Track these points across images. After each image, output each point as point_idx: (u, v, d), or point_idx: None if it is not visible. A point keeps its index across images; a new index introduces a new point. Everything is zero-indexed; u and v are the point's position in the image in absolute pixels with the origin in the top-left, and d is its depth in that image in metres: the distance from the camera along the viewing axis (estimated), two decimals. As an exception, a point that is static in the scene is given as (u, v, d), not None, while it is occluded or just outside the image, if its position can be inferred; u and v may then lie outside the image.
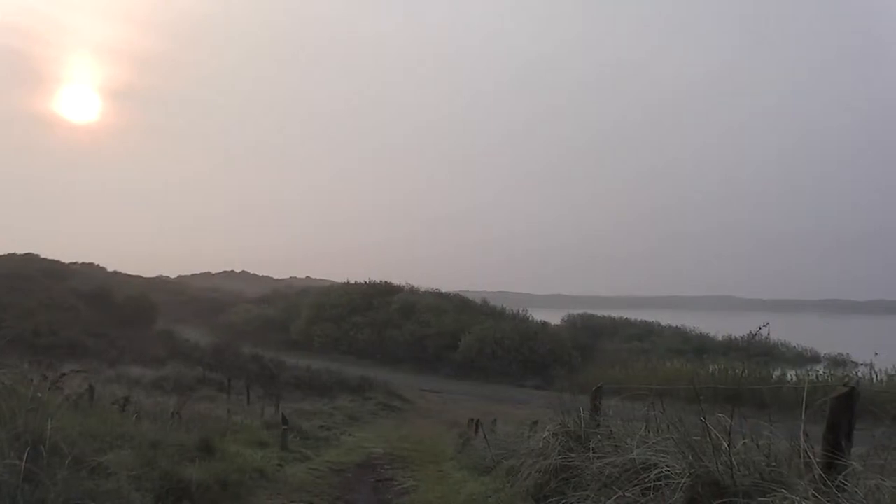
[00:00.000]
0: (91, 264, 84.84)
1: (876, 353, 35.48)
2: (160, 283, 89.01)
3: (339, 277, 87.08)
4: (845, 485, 4.18)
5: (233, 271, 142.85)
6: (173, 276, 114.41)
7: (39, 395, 6.33)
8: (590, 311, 75.68)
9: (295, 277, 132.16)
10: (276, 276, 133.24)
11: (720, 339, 57.67)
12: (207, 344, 45.59)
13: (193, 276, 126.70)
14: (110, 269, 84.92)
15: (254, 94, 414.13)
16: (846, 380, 4.91)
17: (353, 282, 65.17)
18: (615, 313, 75.46)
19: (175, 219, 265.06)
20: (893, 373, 32.08)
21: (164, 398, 16.55)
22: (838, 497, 4.09)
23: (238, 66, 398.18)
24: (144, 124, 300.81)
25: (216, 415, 15.05)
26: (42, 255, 71.40)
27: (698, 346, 56.00)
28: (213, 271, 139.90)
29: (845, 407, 4.46)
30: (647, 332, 64.73)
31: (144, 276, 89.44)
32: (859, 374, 32.89)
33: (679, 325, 65.89)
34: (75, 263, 79.05)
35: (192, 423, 11.39)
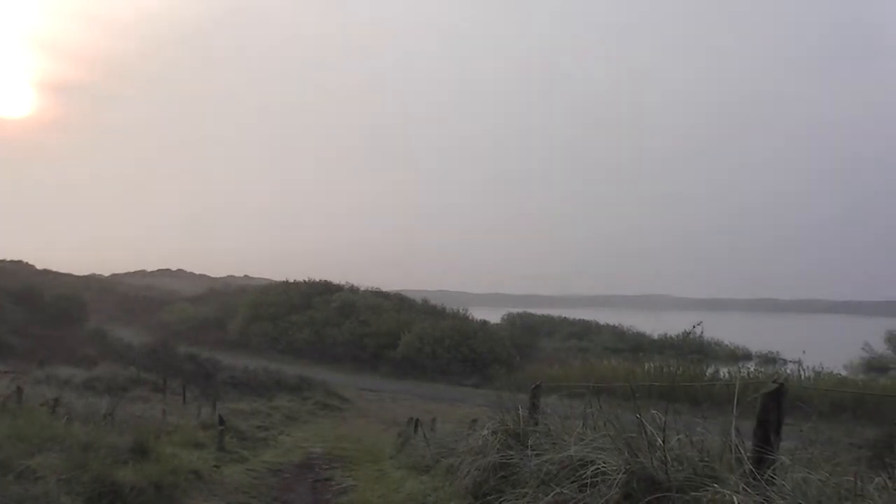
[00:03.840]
0: (19, 262, 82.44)
1: (804, 351, 36.65)
2: (92, 281, 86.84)
3: (278, 276, 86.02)
4: (774, 478, 4.31)
5: (169, 269, 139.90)
6: (106, 274, 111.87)
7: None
8: (529, 310, 76.50)
9: (233, 276, 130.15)
10: (213, 275, 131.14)
11: (655, 337, 58.94)
12: (142, 343, 44.61)
13: (127, 274, 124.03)
14: (40, 266, 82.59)
15: (196, 91, 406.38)
16: (775, 377, 5.05)
17: (292, 281, 64.61)
18: (554, 312, 76.47)
19: (108, 216, 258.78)
20: (820, 370, 33.19)
21: (95, 399, 16.10)
22: (767, 490, 4.21)
23: (181, 62, 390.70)
24: (79, 120, 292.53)
25: (151, 416, 14.77)
26: (-34, 253, 69.02)
27: (634, 345, 57.18)
28: (149, 269, 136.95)
29: (774, 403, 4.60)
30: (584, 331, 65.78)
31: (76, 274, 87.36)
32: (788, 372, 33.95)
33: (616, 324, 67.15)
34: (2, 261, 76.75)
35: (126, 424, 11.16)
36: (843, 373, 36.84)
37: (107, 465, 7.68)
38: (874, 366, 40.69)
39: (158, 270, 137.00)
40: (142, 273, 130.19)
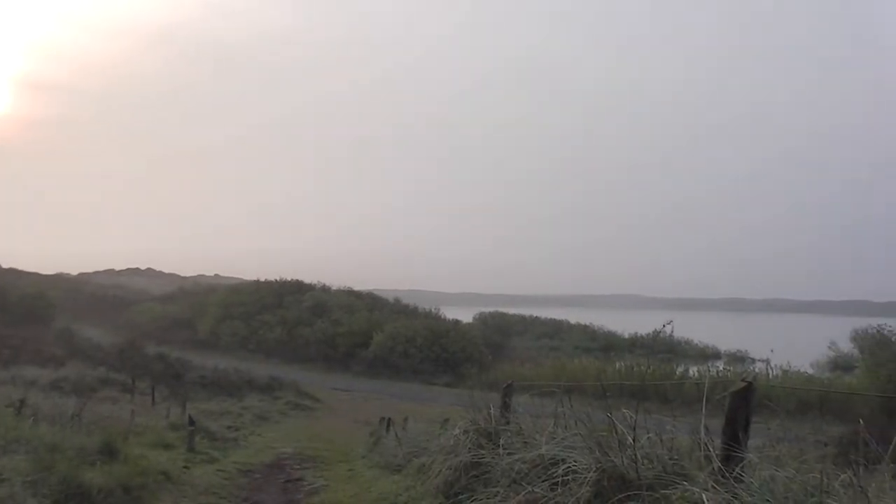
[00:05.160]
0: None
1: (772, 350, 37.13)
2: (59, 280, 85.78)
3: (249, 275, 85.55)
4: (742, 476, 4.36)
5: (138, 268, 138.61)
6: (74, 273, 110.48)
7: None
8: (501, 310, 76.67)
9: (203, 275, 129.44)
10: (183, 274, 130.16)
11: (626, 336, 59.36)
12: (110, 343, 44.18)
13: (96, 272, 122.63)
14: (5, 265, 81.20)
15: (167, 92, 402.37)
16: (744, 375, 5.11)
17: (263, 280, 64.21)
18: (525, 311, 76.70)
19: (76, 214, 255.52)
20: (788, 368, 33.63)
21: (63, 400, 15.87)
22: (736, 488, 4.26)
23: (154, 63, 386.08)
24: (47, 118, 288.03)
25: (119, 417, 14.55)
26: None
27: (605, 344, 57.62)
28: (117, 268, 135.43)
29: (743, 401, 4.65)
30: (556, 330, 66.13)
31: (42, 273, 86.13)
32: (756, 370, 34.35)
33: (587, 323, 67.51)
34: (-34, 260, 75.33)
35: (94, 425, 11.00)
36: (810, 371, 37.34)
37: (74, 467, 7.58)
38: (840, 364, 41.25)
39: (127, 269, 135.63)
40: (110, 272, 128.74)
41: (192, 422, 14.01)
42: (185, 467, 10.83)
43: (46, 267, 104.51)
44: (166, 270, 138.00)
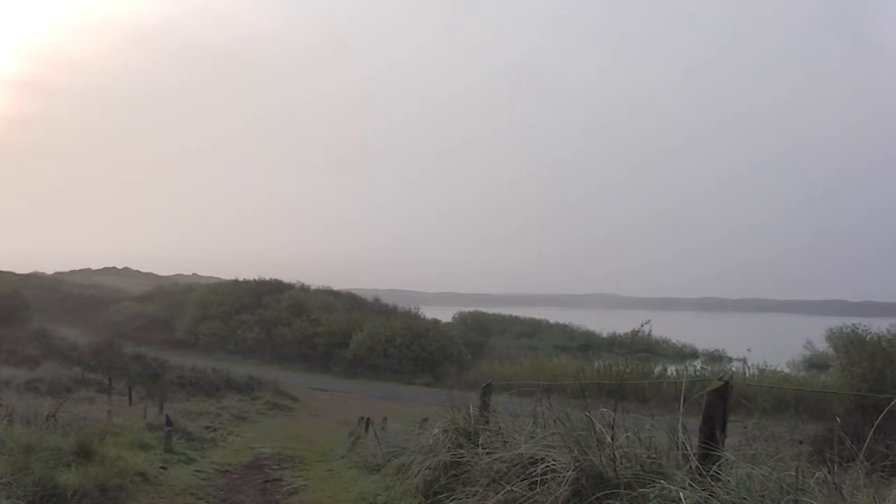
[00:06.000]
0: (-44, 259, 79.98)
1: (748, 349, 37.45)
2: (34, 279, 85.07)
3: (227, 275, 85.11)
4: (719, 474, 4.40)
5: (115, 268, 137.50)
6: (49, 272, 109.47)
7: None
8: (480, 309, 76.73)
9: (181, 274, 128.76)
10: (160, 273, 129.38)
11: (605, 336, 59.66)
12: (87, 343, 43.85)
13: (72, 272, 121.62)
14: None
15: (143, 91, 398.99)
16: (721, 374, 5.14)
17: (242, 279, 63.85)
18: (505, 311, 76.86)
19: (52, 214, 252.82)
20: (764, 367, 33.94)
21: (38, 400, 15.69)
22: (713, 486, 4.29)
23: (133, 61, 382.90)
24: (23, 116, 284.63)
25: (95, 417, 14.40)
26: None
27: (584, 343, 57.87)
28: (94, 267, 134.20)
29: (720, 400, 4.69)
30: (535, 330, 66.30)
31: (17, 272, 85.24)
32: (733, 369, 34.62)
33: (566, 323, 67.78)
34: (-61, 259, 74.45)
35: (70, 426, 10.88)
36: (786, 370, 37.69)
37: (49, 468, 7.50)
38: (815, 363, 41.67)
39: (104, 269, 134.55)
40: (87, 271, 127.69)
41: (169, 422, 13.89)
42: (162, 468, 10.75)
43: (21, 266, 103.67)
44: (143, 270, 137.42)
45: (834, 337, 33.26)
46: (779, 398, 20.71)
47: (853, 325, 31.43)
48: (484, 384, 8.61)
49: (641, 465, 5.10)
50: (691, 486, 4.39)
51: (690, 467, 4.67)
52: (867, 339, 29.79)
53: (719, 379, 4.81)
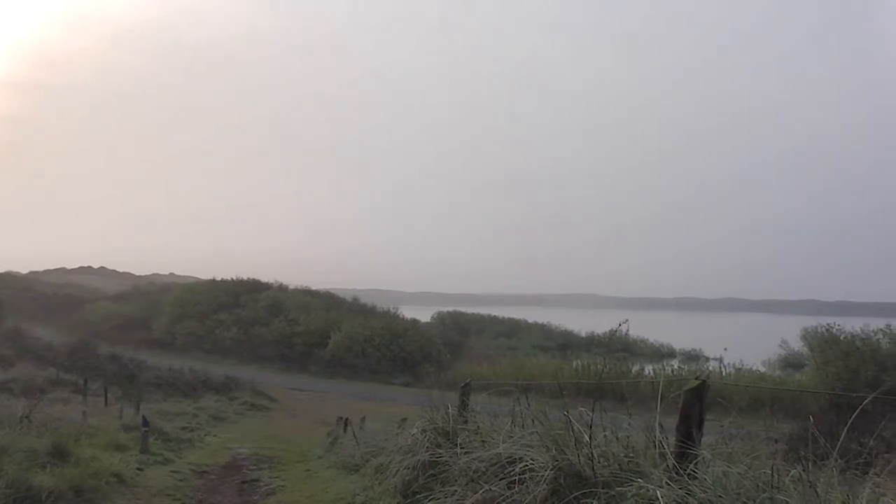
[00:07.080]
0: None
1: (725, 349, 37.74)
2: (8, 279, 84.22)
3: (204, 275, 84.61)
4: (696, 472, 4.43)
5: (90, 267, 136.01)
6: (23, 271, 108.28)
7: None
8: (459, 309, 76.76)
9: (157, 274, 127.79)
10: (137, 273, 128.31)
11: (583, 335, 59.88)
12: (61, 343, 43.47)
13: (46, 271, 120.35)
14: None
15: (125, 88, 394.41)
16: (698, 374, 5.18)
17: (219, 279, 63.47)
18: (483, 311, 76.92)
19: (27, 212, 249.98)
20: (741, 366, 34.23)
21: (12, 401, 15.54)
22: (689, 484, 4.32)
23: (118, 59, 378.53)
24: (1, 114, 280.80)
25: (71, 418, 14.28)
26: None
27: (562, 343, 58.06)
28: (69, 267, 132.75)
29: (697, 399, 4.72)
30: (513, 329, 66.40)
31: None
32: (710, 368, 34.89)
33: (544, 323, 67.96)
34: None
35: (44, 427, 10.80)
36: (762, 369, 38.04)
37: (23, 470, 7.44)
38: (790, 362, 42.05)
39: (79, 268, 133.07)
40: (62, 270, 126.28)
41: (145, 423, 13.80)
42: (138, 469, 10.68)
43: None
44: (120, 269, 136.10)
45: (809, 336, 33.58)
46: (755, 397, 20.87)
47: (828, 324, 31.75)
48: (463, 384, 8.62)
49: (619, 464, 5.13)
50: (668, 484, 4.42)
51: (667, 466, 4.69)
52: (841, 338, 30.12)
53: (696, 378, 4.84)
